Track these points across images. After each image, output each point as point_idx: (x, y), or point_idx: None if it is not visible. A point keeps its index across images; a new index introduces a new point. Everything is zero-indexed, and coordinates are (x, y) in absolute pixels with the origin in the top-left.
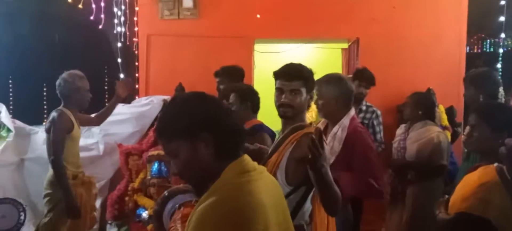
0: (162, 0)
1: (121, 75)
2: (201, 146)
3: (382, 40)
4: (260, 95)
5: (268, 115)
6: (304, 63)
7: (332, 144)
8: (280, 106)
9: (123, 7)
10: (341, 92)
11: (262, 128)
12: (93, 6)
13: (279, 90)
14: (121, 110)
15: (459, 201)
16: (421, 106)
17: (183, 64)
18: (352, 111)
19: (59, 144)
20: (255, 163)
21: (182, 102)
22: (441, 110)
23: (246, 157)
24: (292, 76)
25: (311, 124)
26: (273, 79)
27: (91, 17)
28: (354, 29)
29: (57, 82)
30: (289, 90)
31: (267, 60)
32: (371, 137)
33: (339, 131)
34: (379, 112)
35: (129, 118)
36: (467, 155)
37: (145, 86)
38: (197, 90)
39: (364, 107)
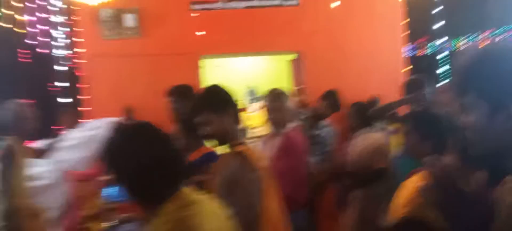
0: (103, 20)
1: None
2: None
3: (324, 52)
4: None
5: None
6: (253, 74)
7: (270, 149)
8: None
9: (64, 29)
10: (288, 106)
11: (211, 157)
12: (31, 29)
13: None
14: (69, 135)
15: (400, 206)
16: (360, 115)
17: (129, 84)
18: (295, 123)
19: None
20: (195, 194)
21: (118, 143)
22: None
23: (185, 190)
24: (196, 110)
25: (242, 142)
26: None
27: (31, 41)
28: (297, 42)
29: None
30: (201, 123)
31: (214, 75)
32: (305, 150)
33: (279, 138)
34: (333, 131)
35: (78, 143)
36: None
37: (92, 108)
38: (144, 109)
39: (323, 123)
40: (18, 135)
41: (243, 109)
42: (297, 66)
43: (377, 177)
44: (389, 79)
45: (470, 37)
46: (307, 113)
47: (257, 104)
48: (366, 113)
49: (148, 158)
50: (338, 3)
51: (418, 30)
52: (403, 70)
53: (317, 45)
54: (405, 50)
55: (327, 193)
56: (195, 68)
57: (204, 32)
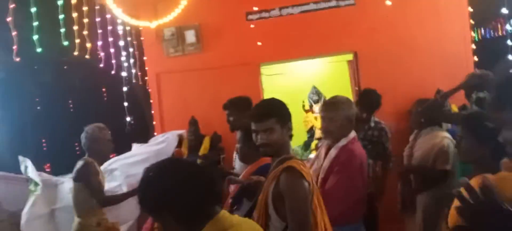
0: (166, 39)
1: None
2: (168, 221)
3: (383, 50)
4: None
5: None
6: (313, 78)
7: (324, 163)
8: (259, 147)
9: (131, 50)
10: (344, 116)
11: (268, 168)
12: (102, 53)
13: (255, 132)
14: (138, 150)
15: (456, 214)
16: (423, 114)
17: (193, 98)
18: (352, 135)
19: (97, 186)
20: (233, 217)
21: (145, 182)
22: (453, 110)
23: (222, 215)
24: (261, 116)
25: (293, 156)
26: (283, 100)
27: (102, 65)
28: (354, 42)
29: (81, 135)
30: (262, 130)
31: (275, 82)
32: (363, 163)
33: (333, 150)
34: (387, 129)
35: (148, 157)
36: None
37: (160, 123)
38: (209, 121)
39: (372, 124)
40: (94, 156)
41: (310, 110)
42: (355, 66)
43: (441, 179)
44: (457, 71)
45: None
46: None
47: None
48: (430, 111)
49: (160, 195)
50: None
51: (486, 14)
52: (471, 60)
53: (375, 43)
54: (472, 37)
55: (387, 196)
56: (256, 77)
57: (261, 42)
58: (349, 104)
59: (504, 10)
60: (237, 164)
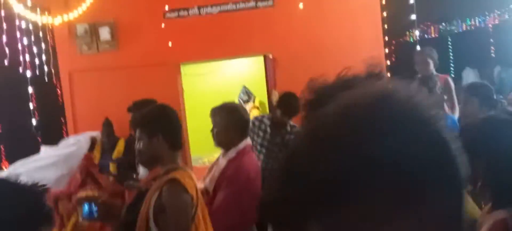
0: (79, 36)
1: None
2: None
3: (299, 52)
4: (193, 119)
5: (202, 141)
6: (232, 76)
7: (214, 173)
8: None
9: (43, 46)
10: (232, 123)
11: None
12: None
13: None
14: (47, 153)
15: None
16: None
17: (108, 98)
18: (242, 145)
19: None
20: None
21: None
22: None
23: None
24: (132, 125)
25: (180, 168)
26: (205, 102)
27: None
28: (271, 43)
29: None
30: (137, 138)
31: (199, 82)
32: (253, 176)
33: (222, 160)
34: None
35: (57, 161)
36: None
37: (73, 124)
38: (125, 122)
39: (288, 128)
40: None
41: None
42: (271, 67)
43: None
44: None
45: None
46: (267, 122)
47: (251, 104)
48: None
49: None
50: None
51: (398, 20)
52: (383, 64)
53: (292, 45)
54: (386, 42)
55: None
56: (175, 77)
57: (180, 41)
58: (237, 112)
59: (413, 17)
60: (141, 168)
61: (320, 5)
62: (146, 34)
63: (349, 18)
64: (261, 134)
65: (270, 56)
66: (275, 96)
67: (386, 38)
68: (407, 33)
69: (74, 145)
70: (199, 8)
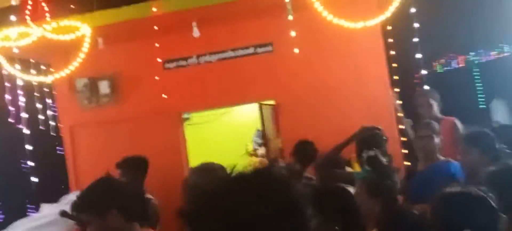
0: (79, 90)
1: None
2: None
3: (303, 96)
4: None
5: None
6: (237, 123)
7: None
8: None
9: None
10: (210, 184)
11: None
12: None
13: None
14: (47, 211)
15: None
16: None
17: (111, 151)
18: None
19: None
20: None
21: None
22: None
23: None
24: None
25: None
26: (209, 151)
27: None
28: (273, 89)
29: None
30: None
31: (201, 130)
32: None
33: None
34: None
35: (56, 219)
36: None
37: (75, 179)
38: None
39: (304, 180)
40: None
41: (254, 154)
42: (275, 114)
43: None
44: (379, 116)
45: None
46: (283, 171)
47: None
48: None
49: None
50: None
51: (403, 58)
52: (392, 104)
53: (294, 90)
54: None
55: None
56: (177, 126)
57: (180, 91)
58: (213, 173)
59: (418, 55)
60: None
61: (321, 48)
62: (145, 86)
63: (352, 58)
64: None
65: (271, 103)
66: (278, 144)
67: (395, 77)
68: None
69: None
70: (197, 57)
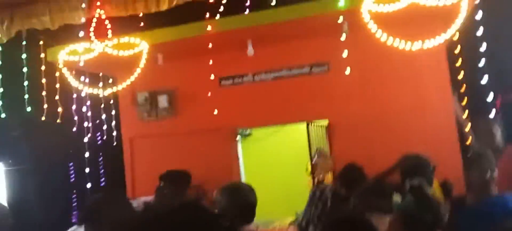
0: (140, 104)
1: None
2: None
3: (359, 117)
4: (254, 183)
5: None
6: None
7: None
8: None
9: (112, 113)
10: (233, 205)
11: None
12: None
13: None
14: None
15: None
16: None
17: (166, 163)
18: (246, 228)
19: None
20: None
21: None
22: (434, 187)
23: None
24: None
25: None
26: (264, 169)
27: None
28: (327, 109)
29: None
30: None
31: (260, 147)
32: None
33: None
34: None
35: None
36: None
37: (132, 188)
38: None
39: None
40: None
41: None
42: (328, 134)
43: None
44: (440, 143)
45: None
46: (329, 195)
47: None
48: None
49: None
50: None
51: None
52: (454, 133)
53: (349, 111)
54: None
55: None
56: (231, 142)
57: (235, 107)
58: (238, 193)
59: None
60: None
61: (380, 68)
62: (201, 102)
63: (413, 80)
64: (320, 205)
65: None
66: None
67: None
68: None
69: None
70: (253, 75)
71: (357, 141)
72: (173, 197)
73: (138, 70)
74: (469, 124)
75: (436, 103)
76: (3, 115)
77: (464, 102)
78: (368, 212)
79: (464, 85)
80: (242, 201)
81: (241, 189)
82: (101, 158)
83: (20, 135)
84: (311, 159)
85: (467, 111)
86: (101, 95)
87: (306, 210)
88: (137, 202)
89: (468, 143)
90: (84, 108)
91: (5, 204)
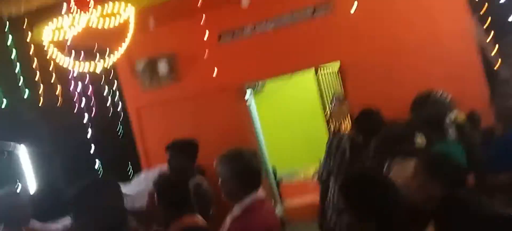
0: (139, 73)
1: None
2: None
3: (370, 56)
4: (271, 137)
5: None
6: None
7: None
8: None
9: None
10: (235, 173)
11: None
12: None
13: None
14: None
15: None
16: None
17: (176, 129)
18: (249, 199)
19: None
20: None
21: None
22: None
23: None
24: None
25: None
26: (281, 121)
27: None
28: (336, 52)
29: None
30: None
31: (272, 100)
32: None
33: (228, 219)
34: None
35: (130, 197)
36: None
37: (146, 159)
38: None
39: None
40: (12, 226)
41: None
42: (341, 76)
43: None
44: (460, 72)
45: None
46: (347, 144)
47: None
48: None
49: None
50: None
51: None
52: (476, 56)
53: (359, 51)
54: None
55: None
56: (239, 100)
57: (239, 62)
58: (240, 160)
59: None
60: None
61: (386, 3)
62: (203, 62)
63: (426, 6)
64: (338, 156)
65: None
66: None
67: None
68: None
69: (143, 183)
70: (253, 27)
71: (372, 81)
72: (184, 166)
73: (128, 39)
74: (496, 47)
75: (454, 29)
76: (4, 101)
77: (486, 25)
78: (389, 158)
79: (486, 4)
80: (244, 168)
81: (241, 155)
82: (109, 133)
83: (36, 118)
84: (329, 105)
85: (491, 33)
86: (96, 71)
87: (325, 161)
88: (152, 173)
89: (495, 68)
90: (80, 88)
91: (35, 185)
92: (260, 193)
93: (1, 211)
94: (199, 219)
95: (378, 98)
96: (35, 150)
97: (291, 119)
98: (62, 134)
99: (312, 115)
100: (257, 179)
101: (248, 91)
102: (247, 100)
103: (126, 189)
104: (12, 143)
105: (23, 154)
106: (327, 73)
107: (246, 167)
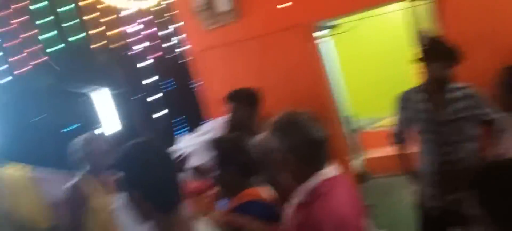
0: (197, 11)
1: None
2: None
3: None
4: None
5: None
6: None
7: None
8: None
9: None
10: (294, 147)
11: (249, 207)
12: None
13: None
14: (184, 144)
15: None
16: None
17: (239, 72)
18: (316, 179)
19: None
20: None
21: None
22: None
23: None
24: None
25: None
26: (364, 62)
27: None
28: None
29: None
30: None
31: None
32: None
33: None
34: (473, 91)
35: (196, 150)
36: None
37: (206, 107)
38: None
39: (458, 91)
40: (92, 170)
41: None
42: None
43: None
44: None
45: None
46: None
47: None
48: None
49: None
50: None
51: None
52: None
53: None
54: None
55: None
56: (308, 40)
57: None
58: (299, 129)
59: None
60: None
61: None
62: None
63: None
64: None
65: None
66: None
67: None
68: None
69: (210, 131)
70: None
71: (475, 12)
72: (247, 116)
73: None
74: None
75: None
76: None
77: None
78: None
79: None
80: (305, 136)
81: (299, 122)
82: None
83: (107, 62)
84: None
85: None
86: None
87: (398, 116)
88: (216, 122)
89: None
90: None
91: (119, 126)
92: (330, 170)
93: (87, 154)
94: (264, 191)
95: (481, 33)
96: (114, 93)
97: (375, 60)
98: (132, 78)
99: (399, 57)
100: (322, 154)
101: (324, 30)
102: (321, 40)
103: (190, 141)
104: (90, 86)
105: (101, 97)
106: (420, 6)
107: (307, 137)
